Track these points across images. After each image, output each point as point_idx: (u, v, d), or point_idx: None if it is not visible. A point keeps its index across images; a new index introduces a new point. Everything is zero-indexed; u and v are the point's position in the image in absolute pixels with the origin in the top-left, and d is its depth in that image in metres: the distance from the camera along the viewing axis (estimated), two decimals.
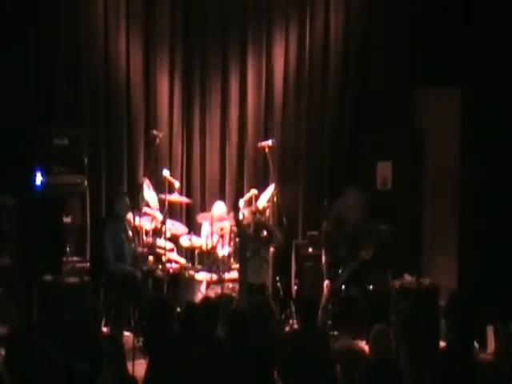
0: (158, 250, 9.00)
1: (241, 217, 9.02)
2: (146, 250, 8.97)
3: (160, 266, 8.92)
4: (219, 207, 9.32)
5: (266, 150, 9.48)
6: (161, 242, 8.92)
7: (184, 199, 9.50)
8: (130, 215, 8.93)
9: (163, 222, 8.90)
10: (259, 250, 8.96)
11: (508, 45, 9.18)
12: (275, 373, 6.35)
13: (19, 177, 9.03)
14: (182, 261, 9.21)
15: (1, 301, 8.51)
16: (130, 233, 8.95)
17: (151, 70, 9.98)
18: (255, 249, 8.93)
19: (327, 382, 6.30)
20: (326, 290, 8.46)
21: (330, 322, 8.34)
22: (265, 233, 9.05)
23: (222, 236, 9.23)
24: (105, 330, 8.17)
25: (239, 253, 8.88)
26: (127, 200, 8.93)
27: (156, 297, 8.53)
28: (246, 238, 8.82)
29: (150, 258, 8.99)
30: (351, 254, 8.50)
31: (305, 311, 6.60)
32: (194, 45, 10.07)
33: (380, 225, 8.54)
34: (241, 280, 8.76)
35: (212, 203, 9.54)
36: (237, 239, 9.05)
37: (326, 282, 8.50)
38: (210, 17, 10.04)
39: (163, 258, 8.91)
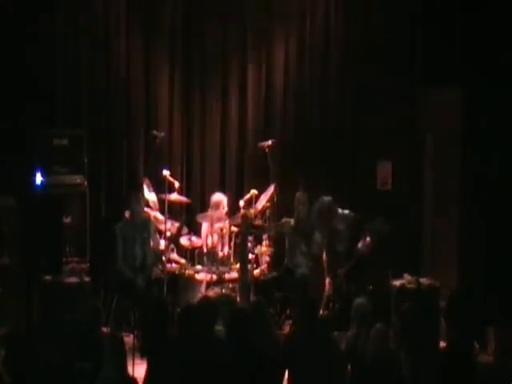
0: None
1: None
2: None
3: (160, 267, 8.92)
4: (217, 195, 9.33)
5: (266, 150, 9.48)
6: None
7: (184, 199, 9.49)
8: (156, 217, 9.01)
9: (179, 229, 9.01)
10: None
11: (508, 45, 9.18)
12: (277, 373, 6.35)
13: (19, 177, 9.04)
14: (182, 261, 9.20)
15: (1, 301, 8.51)
16: (150, 234, 8.91)
17: (151, 70, 9.99)
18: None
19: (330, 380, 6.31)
20: (327, 289, 8.47)
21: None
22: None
23: (221, 236, 9.23)
24: (105, 330, 8.16)
25: (240, 251, 8.89)
26: (141, 202, 8.91)
27: (156, 298, 8.54)
28: (248, 236, 8.84)
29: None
30: (350, 251, 8.52)
31: (302, 311, 6.59)
32: (194, 45, 10.07)
33: (377, 220, 8.56)
34: (241, 279, 8.77)
35: None
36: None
37: (328, 280, 8.51)
38: (210, 16, 10.04)
39: (163, 258, 8.92)
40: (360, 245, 8.45)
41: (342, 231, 8.71)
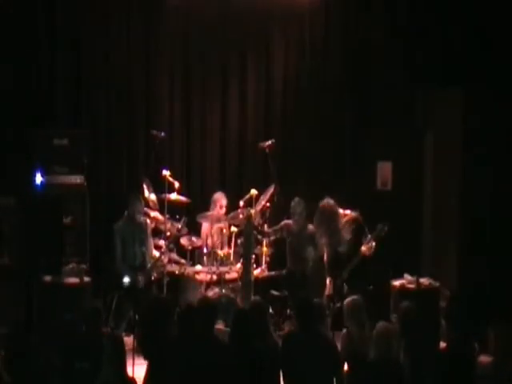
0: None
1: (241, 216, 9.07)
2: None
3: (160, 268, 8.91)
4: (218, 195, 9.34)
5: (266, 150, 9.48)
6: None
7: (184, 199, 9.49)
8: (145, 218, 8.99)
9: (179, 229, 8.97)
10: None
11: (508, 46, 9.18)
12: (276, 373, 6.35)
13: (19, 177, 9.04)
14: (182, 261, 9.20)
15: (1, 301, 8.51)
16: (146, 236, 8.93)
17: (151, 69, 9.99)
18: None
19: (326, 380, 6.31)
20: (328, 288, 8.47)
21: (329, 321, 8.34)
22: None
23: (221, 236, 9.23)
24: (105, 330, 8.16)
25: (244, 250, 8.89)
26: (141, 202, 8.92)
27: (155, 298, 8.53)
28: (252, 236, 8.84)
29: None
30: (352, 251, 8.51)
31: (301, 312, 6.59)
32: (194, 45, 10.06)
33: (379, 223, 8.55)
34: (243, 278, 8.77)
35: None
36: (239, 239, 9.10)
37: (329, 280, 8.51)
38: (210, 17, 10.03)
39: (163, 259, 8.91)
40: (364, 248, 8.44)
41: (344, 232, 8.69)
